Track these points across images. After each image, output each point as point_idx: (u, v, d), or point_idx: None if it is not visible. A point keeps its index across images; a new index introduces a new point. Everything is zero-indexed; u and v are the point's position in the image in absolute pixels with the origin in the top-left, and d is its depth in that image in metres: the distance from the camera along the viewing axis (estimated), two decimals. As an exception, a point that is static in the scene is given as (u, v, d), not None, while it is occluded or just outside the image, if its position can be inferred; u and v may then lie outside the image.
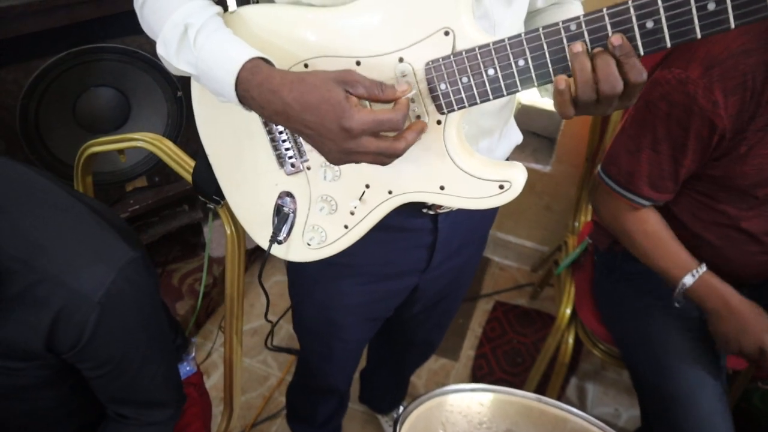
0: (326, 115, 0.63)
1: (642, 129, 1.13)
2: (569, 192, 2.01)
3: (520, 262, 2.35)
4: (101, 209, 0.90)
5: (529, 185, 2.27)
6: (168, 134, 1.71)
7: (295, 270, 1.08)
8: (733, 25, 0.57)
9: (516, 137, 0.95)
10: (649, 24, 0.59)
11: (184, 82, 1.53)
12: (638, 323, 1.32)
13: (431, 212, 0.90)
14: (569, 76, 0.63)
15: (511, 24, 0.78)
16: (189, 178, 1.01)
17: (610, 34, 0.60)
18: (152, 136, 1.09)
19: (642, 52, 0.61)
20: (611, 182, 1.20)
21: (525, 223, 2.25)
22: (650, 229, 1.20)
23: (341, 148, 0.65)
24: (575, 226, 1.78)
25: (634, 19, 0.60)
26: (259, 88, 0.67)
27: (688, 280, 1.15)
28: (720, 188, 1.15)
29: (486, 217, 1.08)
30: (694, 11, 0.57)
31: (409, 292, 1.09)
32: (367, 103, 0.68)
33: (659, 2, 0.58)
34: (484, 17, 0.74)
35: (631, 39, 0.60)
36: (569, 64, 0.63)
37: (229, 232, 1.06)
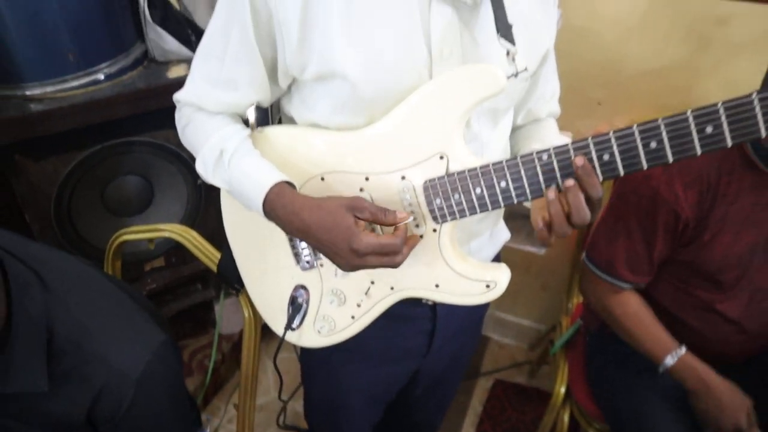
0: (338, 237, 0.76)
1: (617, 219, 1.27)
2: (563, 273, 2.11)
3: (519, 340, 2.42)
4: (135, 295, 1.01)
5: (525, 267, 2.38)
6: (187, 218, 1.84)
7: (306, 354, 1.17)
8: (671, 160, 0.70)
9: (504, 236, 1.07)
10: (606, 156, 0.72)
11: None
12: (628, 402, 1.40)
13: (430, 302, 1.00)
14: (541, 196, 0.76)
15: (497, 142, 0.92)
16: (213, 267, 1.12)
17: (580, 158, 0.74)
18: (180, 227, 1.22)
19: (601, 179, 0.73)
20: (594, 267, 1.32)
21: (522, 303, 2.34)
22: (632, 311, 1.30)
23: (350, 264, 0.78)
24: (569, 307, 1.87)
25: (593, 152, 0.73)
26: (283, 209, 0.80)
27: (669, 361, 1.24)
28: (692, 273, 1.27)
29: (480, 305, 1.18)
30: (640, 149, 0.71)
31: (411, 375, 1.17)
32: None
33: (612, 141, 0.71)
34: (474, 140, 0.87)
35: (593, 167, 0.73)
36: (542, 186, 0.76)
37: (247, 315, 1.16)
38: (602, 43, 1.69)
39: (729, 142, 0.68)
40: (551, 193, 0.75)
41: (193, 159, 0.93)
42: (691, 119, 0.68)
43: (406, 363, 1.12)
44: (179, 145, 1.61)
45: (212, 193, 1.83)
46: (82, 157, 1.60)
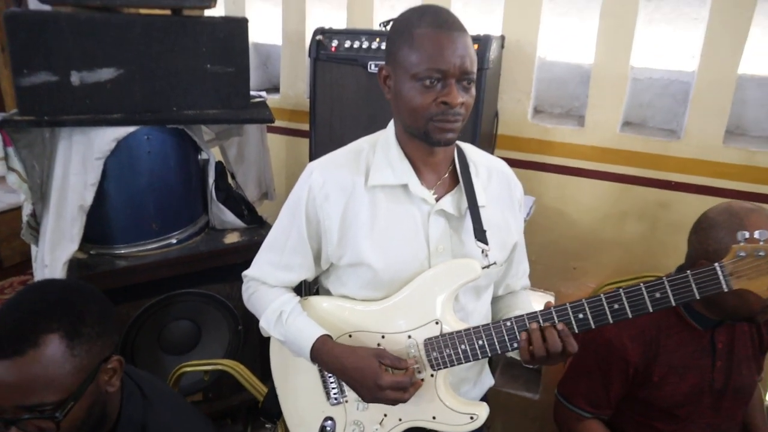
0: (367, 375, 1.09)
1: (580, 362, 1.57)
2: (557, 418, 2.34)
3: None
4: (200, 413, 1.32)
5: (522, 412, 2.61)
6: (226, 357, 2.14)
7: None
8: (630, 315, 1.03)
9: (488, 382, 1.37)
10: (581, 315, 1.06)
11: (246, 318, 2.01)
12: None
13: (430, 434, 1.28)
14: (507, 351, 1.08)
15: (479, 311, 1.25)
16: (260, 397, 1.42)
17: (556, 320, 1.07)
18: (233, 362, 1.54)
19: (576, 331, 1.06)
20: (563, 399, 1.59)
21: (522, 446, 2.53)
22: None
23: (373, 395, 1.10)
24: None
25: (570, 314, 1.06)
26: (327, 354, 1.14)
27: None
28: (649, 408, 1.53)
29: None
30: (606, 310, 1.04)
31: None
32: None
33: (585, 306, 1.05)
34: (462, 310, 1.21)
35: (569, 325, 1.06)
36: (508, 346, 1.08)
37: (282, 443, 1.44)
38: (573, 221, 2.10)
39: (673, 303, 1.01)
40: (534, 325, 1.07)
41: (237, 308, 1.27)
42: (643, 288, 1.02)
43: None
44: (228, 296, 1.98)
45: (249, 338, 2.14)
46: (149, 303, 1.96)
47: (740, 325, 1.55)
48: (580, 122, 2.12)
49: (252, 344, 2.16)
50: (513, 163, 2.14)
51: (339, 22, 2.40)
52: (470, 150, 1.27)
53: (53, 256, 1.77)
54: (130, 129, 1.80)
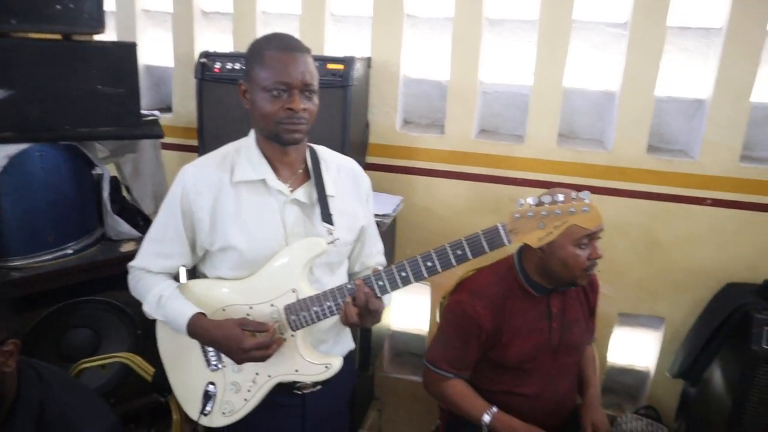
0: (233, 342, 1.32)
1: (442, 330, 1.84)
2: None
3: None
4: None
5: (409, 395, 2.83)
6: (127, 362, 2.26)
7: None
8: (440, 270, 1.29)
9: (348, 345, 1.61)
10: (380, 283, 1.31)
11: (144, 324, 2.14)
12: None
13: (299, 392, 1.49)
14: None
15: (334, 284, 1.46)
16: (149, 379, 1.59)
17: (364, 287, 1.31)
18: (128, 354, 1.70)
19: (378, 296, 1.31)
20: (429, 365, 1.85)
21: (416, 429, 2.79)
22: (458, 390, 1.81)
23: (240, 358, 1.32)
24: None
25: (374, 284, 1.32)
26: (201, 329, 1.35)
27: (486, 418, 1.73)
28: (498, 366, 1.81)
29: (341, 398, 1.66)
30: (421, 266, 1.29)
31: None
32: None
33: (383, 275, 1.31)
34: (317, 282, 1.45)
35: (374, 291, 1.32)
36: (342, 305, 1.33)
37: (176, 417, 1.61)
38: (440, 217, 2.41)
39: (470, 257, 1.27)
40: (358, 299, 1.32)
41: (135, 314, 1.45)
42: (448, 248, 1.28)
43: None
44: (126, 302, 2.11)
45: (148, 342, 2.25)
46: (46, 312, 2.06)
47: (570, 292, 1.88)
48: (442, 131, 2.44)
49: (152, 348, 2.26)
50: (384, 168, 2.45)
51: (227, 46, 2.62)
52: (323, 151, 1.52)
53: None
54: (23, 146, 1.92)
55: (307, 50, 1.36)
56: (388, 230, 2.24)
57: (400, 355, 2.85)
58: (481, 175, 2.39)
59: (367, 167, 2.45)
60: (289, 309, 1.37)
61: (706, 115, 2.22)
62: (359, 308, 1.31)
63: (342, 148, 2.08)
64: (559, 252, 1.67)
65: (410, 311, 2.75)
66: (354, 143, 2.21)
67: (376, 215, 2.08)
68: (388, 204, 2.19)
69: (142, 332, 2.26)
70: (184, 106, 2.62)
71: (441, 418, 2.08)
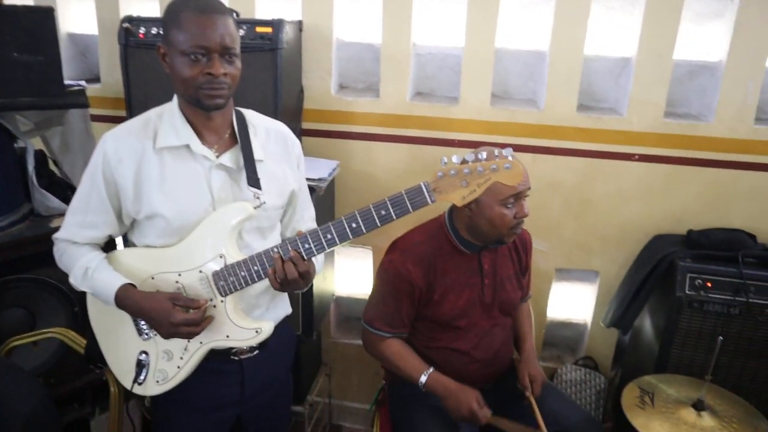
0: (162, 316, 1.31)
1: (376, 290, 1.87)
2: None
3: (366, 423, 2.88)
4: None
5: (357, 358, 2.89)
6: (65, 339, 2.21)
7: (155, 411, 1.60)
8: (365, 231, 1.30)
9: (284, 311, 1.62)
10: (306, 245, 1.32)
11: (81, 301, 2.09)
12: (412, 423, 1.88)
13: (236, 358, 1.50)
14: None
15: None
16: (82, 351, 1.57)
17: (290, 250, 1.32)
18: (62, 329, 1.66)
19: (305, 258, 1.32)
20: (367, 325, 1.88)
21: (364, 390, 2.84)
22: (395, 350, 1.86)
23: (168, 332, 1.32)
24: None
25: (300, 246, 1.32)
26: (129, 301, 1.34)
27: (423, 378, 1.79)
28: (434, 323, 1.86)
29: (281, 364, 1.67)
30: (347, 228, 1.30)
31: (234, 420, 1.60)
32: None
33: (308, 238, 1.31)
34: (247, 247, 1.44)
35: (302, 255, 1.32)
36: (267, 268, 1.33)
37: (113, 390, 1.60)
38: (377, 180, 2.42)
39: (394, 217, 1.28)
40: (278, 261, 1.32)
41: (71, 291, 1.42)
42: (372, 208, 1.29)
43: (226, 409, 1.56)
44: (60, 279, 2.05)
45: (86, 318, 2.21)
46: (-26, 293, 1.99)
47: (501, 249, 1.93)
48: (377, 94, 2.44)
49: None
50: (320, 133, 2.43)
51: (153, 11, 2.52)
52: (251, 115, 1.50)
53: None
54: (-66, 120, 1.82)
55: (227, 11, 1.33)
56: (326, 195, 2.24)
57: (347, 321, 2.88)
58: (417, 137, 2.40)
59: (304, 133, 2.43)
60: (218, 275, 1.37)
61: (632, 73, 2.28)
62: (287, 272, 1.31)
63: (275, 113, 2.05)
64: (486, 211, 1.71)
65: (354, 276, 2.78)
66: (288, 109, 2.18)
67: (311, 180, 2.08)
68: (323, 168, 2.18)
69: (80, 309, 2.21)
70: (113, 76, 2.52)
71: (385, 378, 2.13)
